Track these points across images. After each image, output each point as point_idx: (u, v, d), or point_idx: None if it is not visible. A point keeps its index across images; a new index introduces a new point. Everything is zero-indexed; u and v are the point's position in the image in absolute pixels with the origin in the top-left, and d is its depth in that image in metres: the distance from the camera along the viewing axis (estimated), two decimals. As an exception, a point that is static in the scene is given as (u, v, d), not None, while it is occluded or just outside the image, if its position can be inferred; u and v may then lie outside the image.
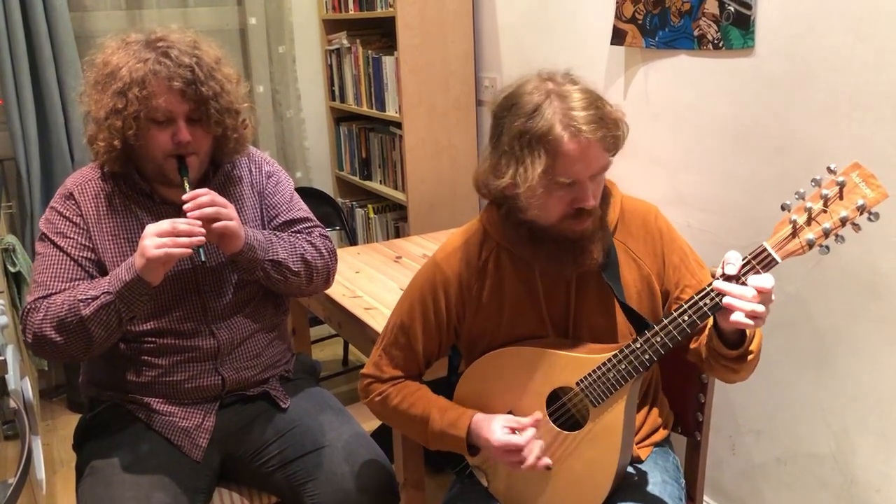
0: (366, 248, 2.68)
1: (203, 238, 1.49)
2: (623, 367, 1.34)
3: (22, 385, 1.78)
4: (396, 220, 3.41)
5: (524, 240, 1.39)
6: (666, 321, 1.30)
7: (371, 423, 2.72)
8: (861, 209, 1.17)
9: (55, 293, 1.56)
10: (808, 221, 1.20)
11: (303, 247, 1.72)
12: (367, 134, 3.44)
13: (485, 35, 3.03)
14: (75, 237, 1.61)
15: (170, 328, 1.64)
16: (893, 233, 1.66)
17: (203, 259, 1.51)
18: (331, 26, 3.54)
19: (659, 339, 1.31)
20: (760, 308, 1.20)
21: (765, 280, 1.20)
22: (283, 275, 1.68)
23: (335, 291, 2.19)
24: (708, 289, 1.26)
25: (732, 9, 1.94)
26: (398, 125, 3.07)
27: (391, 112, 3.10)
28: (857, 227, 1.18)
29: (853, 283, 1.78)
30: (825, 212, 1.19)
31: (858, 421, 1.84)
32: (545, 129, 1.25)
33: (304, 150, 3.63)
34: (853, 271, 1.78)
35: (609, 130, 1.28)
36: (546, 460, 1.37)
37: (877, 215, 1.17)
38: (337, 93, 3.56)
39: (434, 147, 3.07)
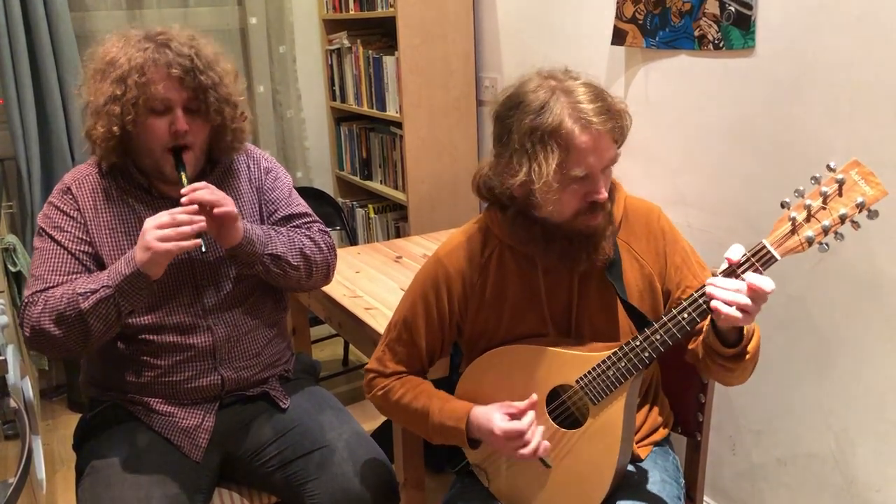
0: (366, 248, 2.68)
1: (204, 223, 1.49)
2: (623, 364, 1.34)
3: (22, 385, 1.79)
4: (397, 220, 3.41)
5: (537, 238, 1.39)
6: (666, 319, 1.31)
7: (371, 423, 2.73)
8: (860, 206, 1.17)
9: (53, 286, 1.56)
10: (808, 219, 1.20)
11: (302, 241, 1.73)
12: (368, 134, 3.44)
13: (485, 35, 3.03)
14: (72, 231, 1.61)
15: (166, 323, 1.64)
16: (894, 233, 1.66)
17: (203, 249, 1.51)
18: (331, 26, 3.54)
19: (658, 336, 1.31)
20: (743, 300, 1.19)
21: (762, 280, 1.19)
22: (283, 269, 1.68)
23: (335, 291, 2.19)
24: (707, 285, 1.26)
25: (733, 9, 1.94)
26: (399, 125, 3.07)
27: (391, 112, 3.11)
28: (856, 224, 1.18)
29: (853, 284, 1.78)
30: (824, 209, 1.19)
31: (859, 421, 1.84)
32: (556, 123, 1.27)
33: (305, 150, 3.63)
34: (853, 271, 1.78)
35: (617, 121, 1.31)
36: (545, 443, 1.37)
37: (876, 213, 1.17)
38: (337, 93, 3.56)
39: (434, 147, 3.07)
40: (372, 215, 3.49)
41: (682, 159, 2.19)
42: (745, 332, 1.31)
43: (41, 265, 1.59)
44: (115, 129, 1.56)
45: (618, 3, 2.29)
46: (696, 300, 1.28)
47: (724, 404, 2.16)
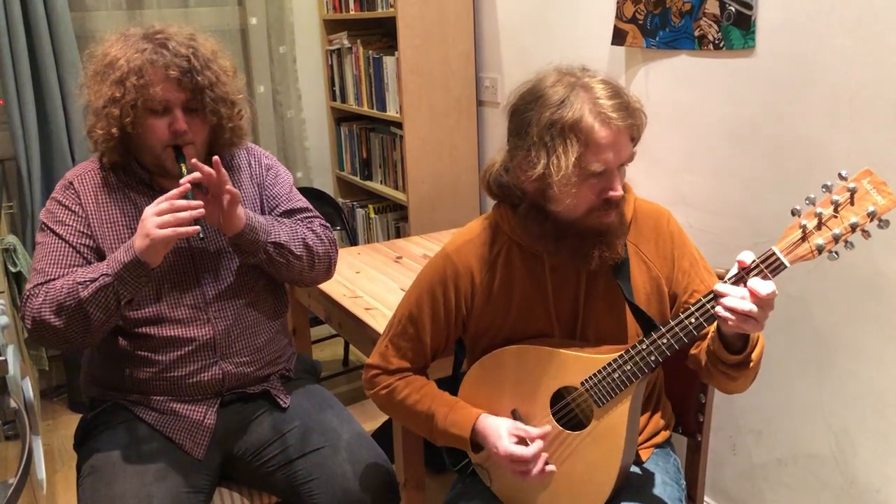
0: (366, 248, 2.68)
1: (202, 209, 1.50)
2: (628, 367, 1.34)
3: (22, 385, 1.79)
4: (397, 220, 3.41)
5: (548, 234, 1.39)
6: (673, 323, 1.30)
7: (371, 423, 2.73)
8: (872, 216, 1.17)
9: (54, 279, 1.56)
10: (819, 226, 1.20)
11: (304, 233, 1.74)
12: (368, 134, 3.44)
13: (485, 35, 3.03)
14: (74, 224, 1.62)
15: (167, 315, 1.64)
16: (894, 234, 1.66)
17: (202, 236, 1.52)
18: (331, 26, 3.54)
19: (665, 340, 1.31)
20: (748, 307, 1.19)
21: (763, 285, 1.19)
22: (286, 258, 1.68)
23: (335, 291, 2.20)
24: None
25: (733, 9, 1.94)
26: (399, 125, 3.07)
27: (392, 112, 3.11)
28: (866, 233, 1.18)
29: (854, 284, 1.78)
30: (835, 217, 1.18)
31: (859, 421, 1.84)
32: (576, 118, 1.27)
33: (305, 151, 3.63)
34: (854, 272, 1.78)
35: (634, 118, 1.32)
36: (550, 467, 1.38)
37: (887, 222, 1.17)
38: (338, 93, 3.56)
39: (435, 147, 3.07)
40: (372, 215, 3.49)
41: (682, 159, 2.19)
42: (750, 340, 1.31)
43: (43, 259, 1.60)
44: (115, 130, 1.57)
45: (618, 3, 2.29)
46: (703, 305, 1.27)
47: (725, 405, 2.16)
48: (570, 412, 1.45)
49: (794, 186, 1.88)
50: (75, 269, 1.58)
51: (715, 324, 1.30)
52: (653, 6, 2.17)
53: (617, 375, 1.35)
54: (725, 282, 1.25)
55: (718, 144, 2.07)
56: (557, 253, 1.40)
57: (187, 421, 1.67)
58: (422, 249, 2.61)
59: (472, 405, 1.48)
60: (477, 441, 1.43)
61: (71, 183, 1.66)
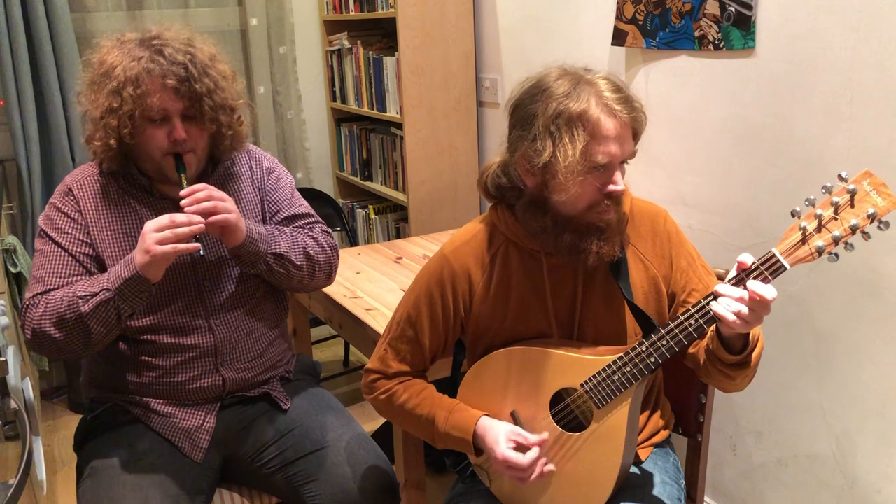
0: (366, 248, 2.68)
1: (202, 225, 1.50)
2: (629, 369, 1.34)
3: (23, 386, 1.78)
4: (397, 220, 3.41)
5: (548, 229, 1.39)
6: (673, 325, 1.30)
7: (372, 424, 2.73)
8: (872, 217, 1.16)
9: (54, 289, 1.56)
10: (819, 228, 1.19)
11: (305, 241, 1.73)
12: (368, 135, 3.44)
13: (485, 36, 3.03)
14: (73, 233, 1.62)
15: (168, 323, 1.64)
16: (894, 234, 1.66)
17: (202, 253, 1.51)
18: (332, 27, 3.54)
19: (665, 342, 1.31)
20: (743, 308, 1.19)
21: (762, 288, 1.19)
22: (286, 268, 1.68)
23: (336, 292, 2.19)
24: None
25: (733, 9, 1.94)
26: (399, 126, 3.07)
27: (392, 113, 3.11)
28: (866, 235, 1.18)
29: (854, 284, 1.78)
30: (835, 219, 1.18)
31: (859, 422, 1.84)
32: (582, 108, 1.29)
33: (305, 151, 3.63)
34: (853, 272, 1.78)
35: (637, 113, 1.33)
36: (549, 467, 1.38)
37: (887, 224, 1.17)
38: (338, 93, 3.56)
39: (435, 148, 3.07)
40: (372, 216, 3.49)
41: (682, 160, 2.19)
42: (749, 340, 1.31)
43: (42, 267, 1.59)
44: (113, 142, 1.56)
45: (618, 3, 2.29)
46: (703, 307, 1.27)
47: (725, 405, 2.16)
48: (570, 414, 1.45)
49: (794, 186, 1.88)
50: (75, 278, 1.58)
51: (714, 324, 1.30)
52: (653, 7, 2.17)
53: (617, 377, 1.35)
54: (726, 283, 1.25)
55: (719, 145, 2.07)
56: (556, 248, 1.40)
57: (187, 424, 1.67)
58: (422, 250, 2.61)
59: (471, 407, 1.48)
60: (477, 444, 1.43)
61: (70, 189, 1.65)
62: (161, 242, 1.46)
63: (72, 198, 1.64)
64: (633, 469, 1.52)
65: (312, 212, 1.84)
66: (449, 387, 1.57)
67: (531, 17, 2.74)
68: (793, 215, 1.22)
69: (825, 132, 1.79)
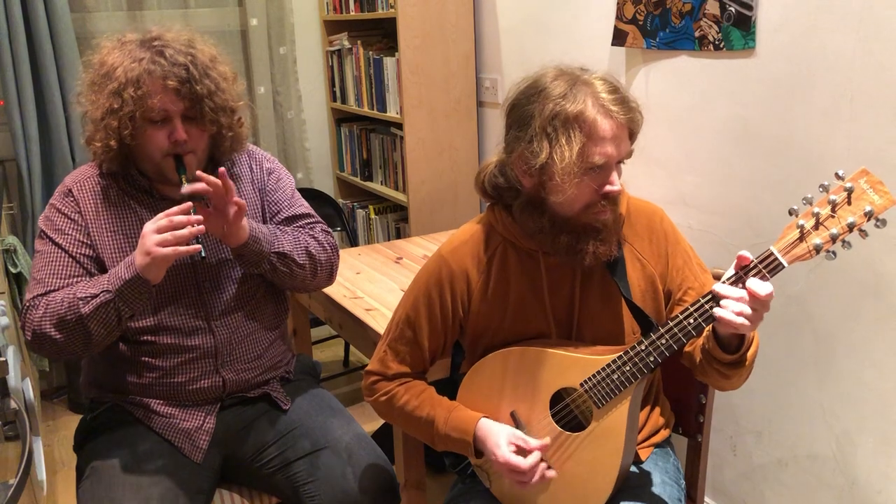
0: (367, 248, 2.67)
1: (202, 226, 1.49)
2: (628, 368, 1.34)
3: (23, 386, 1.78)
4: (397, 220, 3.41)
5: (545, 229, 1.39)
6: (671, 324, 1.30)
7: (372, 425, 2.73)
8: (869, 215, 1.17)
9: (54, 290, 1.56)
10: (816, 226, 1.20)
11: (306, 240, 1.73)
12: (368, 135, 3.44)
13: (485, 36, 3.03)
14: (73, 234, 1.61)
15: (168, 324, 1.64)
16: (894, 234, 1.66)
17: (203, 255, 1.51)
18: (332, 27, 3.54)
19: (664, 341, 1.31)
20: (745, 309, 1.20)
21: (761, 286, 1.20)
22: (289, 267, 1.68)
23: (336, 292, 2.19)
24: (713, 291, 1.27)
25: (733, 9, 1.94)
26: (399, 126, 3.07)
27: (392, 113, 3.11)
28: (864, 233, 1.18)
29: (854, 284, 1.78)
30: (833, 217, 1.19)
31: (859, 422, 1.84)
32: (578, 109, 1.29)
33: (305, 151, 3.63)
34: (854, 272, 1.78)
35: (633, 114, 1.34)
36: (550, 472, 1.38)
37: (884, 222, 1.17)
38: (338, 94, 3.56)
39: (435, 148, 3.07)
40: (372, 216, 3.49)
41: (682, 160, 2.19)
42: (745, 339, 1.31)
43: (42, 268, 1.59)
44: (113, 143, 1.56)
45: (618, 3, 2.29)
46: (702, 306, 1.28)
47: (725, 405, 2.16)
48: (570, 413, 1.45)
49: (794, 187, 1.88)
50: (75, 279, 1.58)
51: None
52: (653, 7, 2.17)
53: (616, 376, 1.35)
54: (724, 282, 1.25)
55: (719, 145, 2.07)
56: (553, 248, 1.40)
57: (187, 424, 1.67)
58: (422, 250, 2.61)
59: (470, 408, 1.48)
60: (477, 446, 1.43)
61: (70, 190, 1.65)
62: (161, 244, 1.46)
63: (72, 199, 1.64)
64: (634, 469, 1.53)
65: (313, 212, 1.84)
66: (448, 388, 1.57)
67: (531, 17, 2.74)
68: (790, 213, 1.22)
69: (825, 132, 1.79)
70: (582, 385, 1.38)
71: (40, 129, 2.98)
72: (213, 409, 1.70)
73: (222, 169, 1.53)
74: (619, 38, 2.31)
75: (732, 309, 1.20)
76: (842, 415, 1.87)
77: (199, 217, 1.50)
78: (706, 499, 2.03)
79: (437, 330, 1.51)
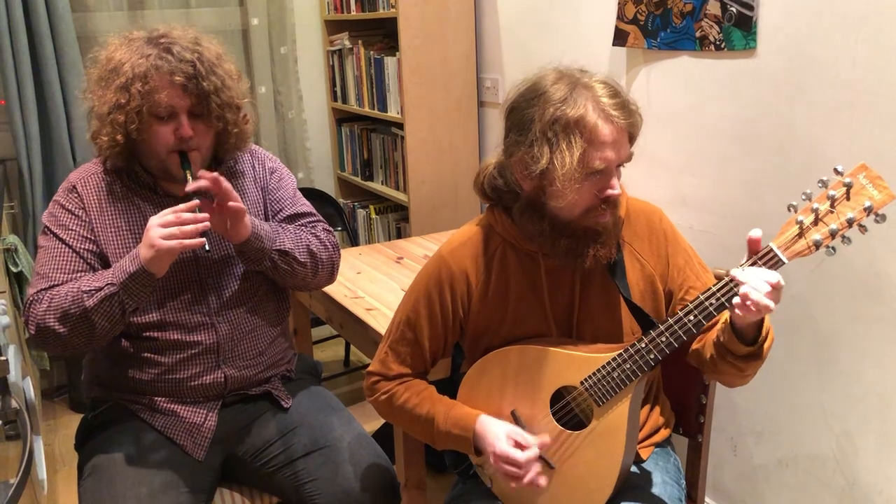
0: (367, 248, 2.68)
1: (208, 222, 1.50)
2: (628, 366, 1.34)
3: (23, 385, 1.79)
4: (398, 220, 3.41)
5: (545, 233, 1.39)
6: (671, 321, 1.31)
7: (373, 424, 2.73)
8: (868, 210, 1.17)
9: (58, 284, 1.56)
10: (815, 222, 1.20)
11: (308, 238, 1.74)
12: (369, 135, 3.44)
13: (486, 36, 3.03)
14: (77, 229, 1.62)
15: (171, 320, 1.64)
16: (895, 234, 1.66)
17: (207, 249, 1.51)
18: (333, 27, 3.54)
19: (664, 338, 1.31)
20: (767, 301, 1.19)
21: (775, 273, 1.20)
22: (290, 265, 1.68)
23: (336, 292, 2.20)
24: (714, 288, 1.27)
25: (734, 10, 1.94)
26: (400, 126, 3.07)
27: (393, 113, 3.11)
28: (863, 228, 1.18)
29: (855, 285, 1.78)
30: (832, 213, 1.19)
31: (860, 422, 1.84)
32: (579, 114, 1.29)
33: (306, 151, 3.63)
34: (855, 273, 1.78)
35: (633, 118, 1.34)
36: (542, 480, 1.38)
37: (883, 217, 1.17)
38: (339, 93, 3.56)
39: (436, 148, 3.07)
40: (373, 216, 3.49)
41: (683, 160, 2.19)
42: (762, 330, 1.31)
43: (46, 263, 1.59)
44: (119, 137, 1.57)
45: (619, 3, 2.29)
46: (702, 303, 1.28)
47: (726, 405, 2.16)
48: (570, 412, 1.45)
49: (796, 187, 1.88)
50: (78, 274, 1.58)
51: (722, 317, 1.30)
52: (654, 7, 2.17)
53: (616, 374, 1.35)
54: (741, 267, 1.25)
55: (720, 145, 2.07)
56: (553, 251, 1.40)
57: (188, 422, 1.67)
58: (423, 250, 2.61)
59: (471, 407, 1.48)
60: (476, 443, 1.43)
61: (74, 186, 1.65)
62: (167, 238, 1.46)
63: (76, 195, 1.64)
64: (634, 469, 1.53)
65: (314, 211, 1.84)
66: (448, 388, 1.57)
67: (532, 17, 2.74)
68: (789, 209, 1.22)
69: (826, 132, 1.79)
70: (582, 383, 1.38)
71: (41, 129, 2.98)
72: (214, 406, 1.70)
73: (215, 175, 1.54)
74: (620, 39, 2.31)
75: (753, 298, 1.19)
76: (842, 415, 1.87)
77: (206, 215, 1.50)
78: (706, 499, 2.03)
79: (438, 331, 1.51)
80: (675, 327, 1.30)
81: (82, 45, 3.02)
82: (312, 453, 1.66)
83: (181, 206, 1.50)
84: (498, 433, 1.39)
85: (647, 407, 1.57)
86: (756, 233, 1.25)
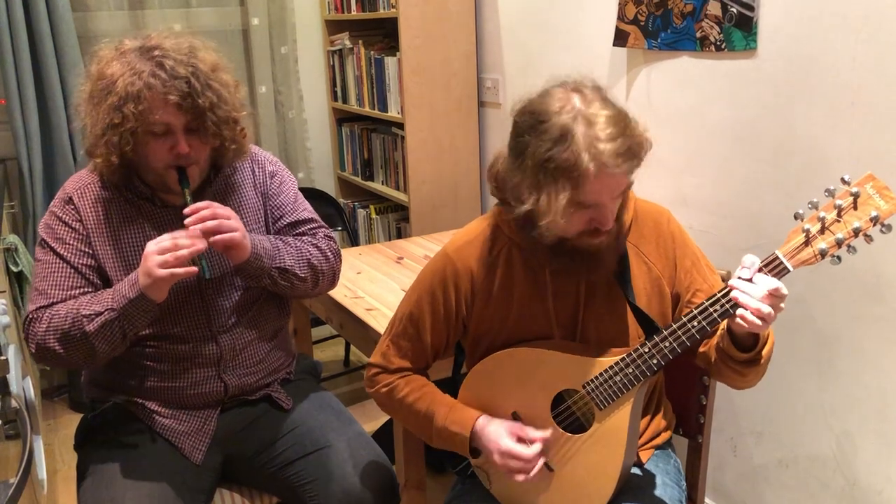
0: (367, 248, 2.68)
1: (202, 246, 1.48)
2: (631, 371, 1.34)
3: (24, 385, 1.79)
4: (398, 220, 3.41)
5: (541, 246, 1.37)
6: (675, 326, 1.30)
7: (372, 424, 2.73)
8: (874, 220, 1.17)
9: (57, 302, 1.55)
10: (822, 231, 1.20)
11: (309, 251, 1.72)
12: (369, 134, 3.44)
13: (487, 36, 3.03)
14: (74, 243, 1.60)
15: (172, 333, 1.64)
16: (895, 235, 1.66)
17: (208, 277, 1.51)
18: (333, 27, 3.54)
19: (668, 343, 1.31)
20: (766, 308, 1.20)
21: (775, 281, 1.20)
22: (290, 281, 1.68)
23: (337, 292, 2.19)
24: (719, 294, 1.26)
25: (735, 10, 1.94)
26: (400, 126, 3.07)
27: (393, 113, 3.11)
28: (869, 238, 1.18)
29: (856, 286, 1.78)
30: (838, 222, 1.19)
31: (860, 423, 1.84)
32: (571, 161, 1.21)
33: (307, 151, 3.63)
34: (856, 274, 1.78)
35: (634, 161, 1.25)
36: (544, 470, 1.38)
37: (889, 227, 1.17)
38: (339, 93, 3.56)
39: (436, 148, 3.07)
40: (373, 216, 3.49)
41: (683, 161, 2.19)
42: (760, 336, 1.31)
43: (44, 279, 1.58)
44: (114, 158, 1.54)
45: (619, 4, 2.29)
46: (706, 308, 1.27)
47: (726, 406, 2.16)
48: (572, 415, 1.45)
49: (796, 188, 1.88)
50: (77, 290, 1.57)
51: (724, 322, 1.30)
52: (654, 7, 2.17)
53: (619, 378, 1.35)
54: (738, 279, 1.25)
55: (720, 146, 2.07)
56: (549, 263, 1.40)
57: (187, 426, 1.67)
58: (423, 250, 2.61)
59: (472, 407, 1.48)
60: (475, 443, 1.43)
61: (70, 198, 1.63)
62: (162, 266, 1.45)
63: (72, 206, 1.62)
64: (635, 470, 1.52)
65: (316, 216, 1.82)
66: (449, 387, 1.57)
67: (533, 17, 2.74)
68: (796, 218, 1.22)
69: (827, 133, 1.79)
70: (584, 387, 1.38)
71: (41, 128, 2.98)
72: (213, 412, 1.70)
73: (213, 211, 1.52)
74: (620, 39, 2.31)
75: (751, 306, 1.20)
76: (842, 416, 1.87)
77: (202, 242, 1.48)
78: (707, 500, 2.03)
79: (440, 328, 1.50)
80: (679, 333, 1.30)
81: (83, 45, 3.01)
82: (312, 454, 1.66)
83: (178, 231, 1.48)
84: (499, 430, 1.39)
85: (648, 416, 1.57)
86: (748, 259, 1.24)
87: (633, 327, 1.44)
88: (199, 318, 1.66)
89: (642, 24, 2.22)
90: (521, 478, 1.36)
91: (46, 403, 3.22)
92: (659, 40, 2.18)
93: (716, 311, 1.26)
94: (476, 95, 3.11)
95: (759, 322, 1.21)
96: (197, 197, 1.61)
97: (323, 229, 1.81)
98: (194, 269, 1.47)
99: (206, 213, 1.51)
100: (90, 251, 1.61)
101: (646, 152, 1.28)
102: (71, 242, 1.60)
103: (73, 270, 1.59)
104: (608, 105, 1.26)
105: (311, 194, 3.21)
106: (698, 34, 2.06)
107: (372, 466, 1.65)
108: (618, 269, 1.41)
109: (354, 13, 3.31)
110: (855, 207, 1.18)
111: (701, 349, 1.44)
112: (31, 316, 1.55)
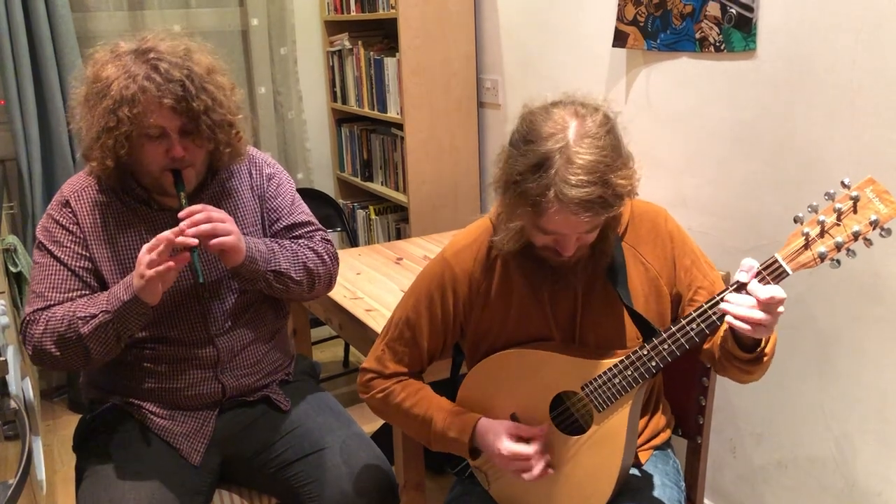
0: (367, 249, 2.68)
1: (195, 240, 1.48)
2: (629, 373, 1.34)
3: (23, 385, 1.79)
4: (398, 221, 3.41)
5: (519, 250, 1.38)
6: (674, 329, 1.30)
7: (371, 425, 2.73)
8: (874, 224, 1.17)
9: (54, 304, 1.56)
10: (821, 234, 1.20)
11: (305, 254, 1.71)
12: (369, 135, 3.44)
13: (486, 36, 3.03)
14: (72, 246, 1.60)
15: (170, 336, 1.64)
16: (895, 235, 1.66)
17: (202, 281, 1.51)
18: (332, 28, 3.54)
19: (666, 346, 1.31)
20: (757, 315, 1.20)
21: (769, 290, 1.19)
22: (285, 284, 1.67)
23: (336, 293, 2.19)
24: (718, 297, 1.26)
25: (734, 11, 1.94)
26: (399, 126, 3.07)
27: (392, 113, 3.11)
28: (868, 241, 1.18)
29: (855, 287, 1.78)
30: (838, 225, 1.19)
31: (860, 424, 1.84)
32: (537, 191, 1.20)
33: (306, 152, 3.63)
34: (855, 275, 1.78)
35: (605, 210, 1.22)
36: (550, 470, 1.38)
37: (889, 231, 1.17)
38: (338, 94, 3.56)
39: (435, 148, 3.07)
40: (373, 217, 3.49)
41: (683, 161, 2.19)
42: (761, 339, 1.31)
43: (41, 282, 1.58)
44: (110, 161, 1.54)
45: (619, 5, 2.29)
46: (705, 311, 1.27)
47: (725, 407, 2.16)
48: (570, 417, 1.45)
49: (795, 189, 1.88)
50: (74, 292, 1.58)
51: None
52: (654, 8, 2.17)
53: (617, 381, 1.35)
54: (730, 286, 1.25)
55: (719, 147, 2.07)
56: (521, 268, 1.41)
57: (185, 427, 1.67)
58: (422, 251, 2.61)
59: (470, 409, 1.48)
60: (475, 446, 1.43)
61: (67, 201, 1.62)
62: (149, 265, 1.45)
63: (69, 210, 1.62)
64: (634, 471, 1.52)
65: (313, 219, 1.81)
66: (448, 389, 1.57)
67: (532, 18, 2.74)
68: (796, 221, 1.22)
69: (826, 134, 1.79)
70: (583, 389, 1.38)
71: (41, 129, 2.98)
72: (211, 413, 1.69)
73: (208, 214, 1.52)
74: (619, 40, 2.31)
75: (740, 315, 1.20)
76: (842, 417, 1.87)
77: (195, 241, 1.48)
78: (706, 500, 2.02)
79: (437, 332, 1.50)
80: (678, 335, 1.30)
81: (82, 45, 3.01)
82: (311, 455, 1.66)
83: (168, 231, 1.48)
84: (499, 431, 1.39)
85: (648, 412, 1.57)
86: (745, 270, 1.24)
87: (631, 329, 1.44)
88: (195, 321, 1.65)
89: (642, 24, 2.22)
90: (526, 476, 1.36)
91: (46, 404, 3.21)
92: (658, 41, 2.18)
93: (715, 313, 1.27)
94: (475, 96, 3.11)
95: (747, 328, 1.21)
96: (193, 200, 1.61)
97: (320, 232, 1.80)
98: (185, 255, 1.47)
99: (201, 216, 1.51)
100: (87, 254, 1.61)
101: (626, 198, 1.24)
102: (68, 245, 1.60)
103: (70, 273, 1.59)
104: (600, 145, 1.21)
105: (311, 195, 3.21)
106: (698, 35, 2.06)
107: (371, 467, 1.65)
108: (614, 273, 1.41)
109: (354, 14, 3.31)
110: (855, 211, 1.18)
111: (705, 346, 1.44)
112: (28, 318, 1.55)
